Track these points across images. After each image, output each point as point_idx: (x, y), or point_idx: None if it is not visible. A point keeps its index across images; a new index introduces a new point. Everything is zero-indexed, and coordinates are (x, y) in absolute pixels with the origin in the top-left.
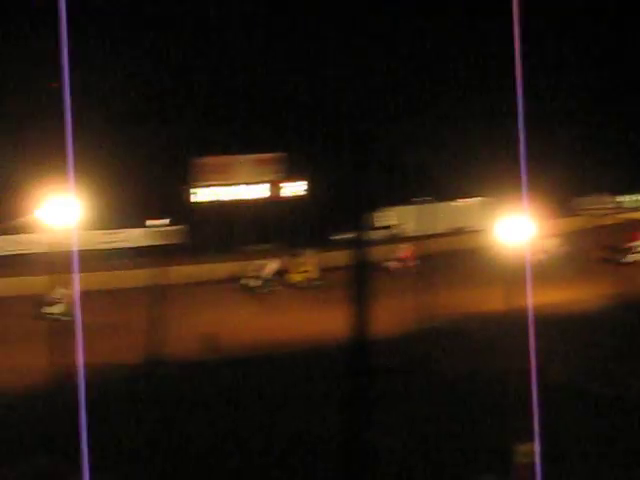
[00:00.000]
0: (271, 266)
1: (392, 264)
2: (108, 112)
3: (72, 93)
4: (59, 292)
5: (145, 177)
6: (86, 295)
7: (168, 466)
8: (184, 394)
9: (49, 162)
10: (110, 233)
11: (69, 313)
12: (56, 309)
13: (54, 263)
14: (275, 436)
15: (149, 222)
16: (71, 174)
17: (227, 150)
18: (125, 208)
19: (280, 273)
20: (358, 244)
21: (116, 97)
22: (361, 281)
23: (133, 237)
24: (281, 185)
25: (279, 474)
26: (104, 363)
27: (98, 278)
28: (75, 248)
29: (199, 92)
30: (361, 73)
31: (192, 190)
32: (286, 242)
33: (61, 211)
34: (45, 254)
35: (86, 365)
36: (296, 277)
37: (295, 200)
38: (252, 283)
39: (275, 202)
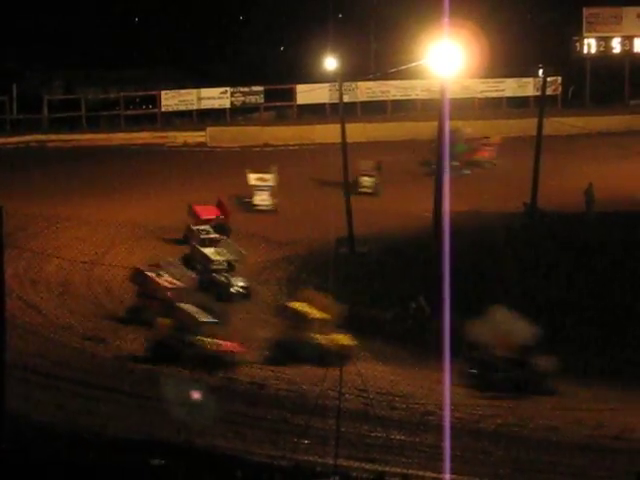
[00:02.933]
0: None
1: None
2: None
3: None
4: None
5: (532, 26)
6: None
7: None
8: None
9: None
10: (490, 82)
11: None
12: None
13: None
14: None
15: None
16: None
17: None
18: (510, 57)
19: None
20: None
21: None
22: None
23: (512, 87)
24: None
25: None
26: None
27: (474, 127)
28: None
29: None
30: None
31: (582, 41)
32: None
33: (446, 58)
34: (429, 100)
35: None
36: None
37: None
38: None
39: None
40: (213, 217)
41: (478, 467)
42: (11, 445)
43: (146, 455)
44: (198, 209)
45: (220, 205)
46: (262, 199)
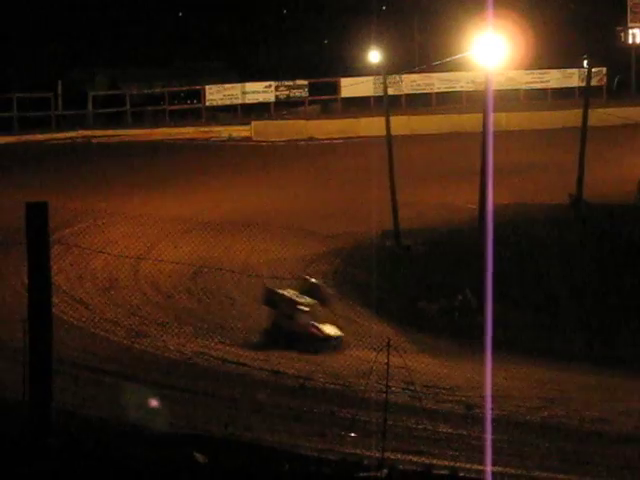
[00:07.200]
0: None
1: None
2: None
3: None
4: None
5: (576, 17)
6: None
7: None
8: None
9: None
10: (534, 73)
11: None
12: None
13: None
14: None
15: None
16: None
17: None
18: (554, 48)
19: None
20: None
21: None
22: None
23: (556, 78)
24: None
25: None
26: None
27: (519, 118)
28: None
29: None
30: None
31: (627, 31)
32: None
33: (490, 50)
34: (474, 92)
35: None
36: None
37: None
38: None
39: None
40: None
41: (525, 459)
42: (59, 439)
43: (192, 449)
44: None
45: None
46: None
